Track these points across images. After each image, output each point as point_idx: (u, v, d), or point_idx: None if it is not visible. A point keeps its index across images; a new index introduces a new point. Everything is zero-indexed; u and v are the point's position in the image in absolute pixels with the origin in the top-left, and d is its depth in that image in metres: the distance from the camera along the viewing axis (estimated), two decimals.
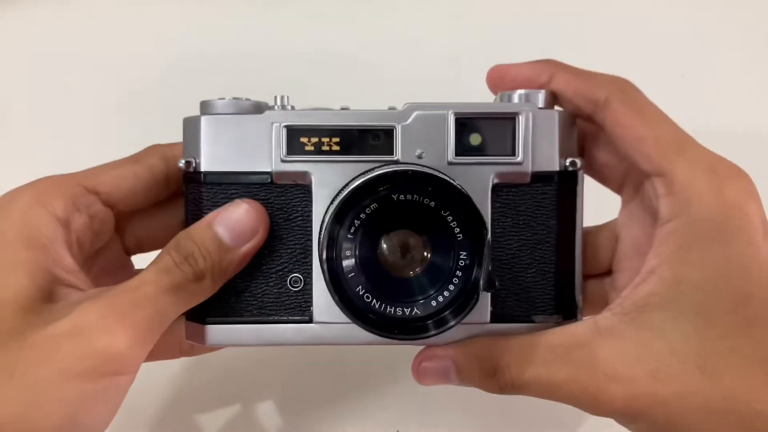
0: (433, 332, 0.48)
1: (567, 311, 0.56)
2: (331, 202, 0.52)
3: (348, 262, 0.49)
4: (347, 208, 0.48)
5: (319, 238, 0.52)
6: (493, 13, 0.78)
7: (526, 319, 0.55)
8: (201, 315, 0.55)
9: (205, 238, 0.52)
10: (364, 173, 0.52)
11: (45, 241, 0.51)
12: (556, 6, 0.80)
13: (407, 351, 0.54)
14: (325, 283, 0.50)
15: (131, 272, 0.60)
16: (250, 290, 0.54)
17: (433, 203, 0.48)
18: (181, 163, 0.55)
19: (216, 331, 0.55)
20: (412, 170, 0.48)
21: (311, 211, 0.54)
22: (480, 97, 0.59)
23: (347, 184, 0.52)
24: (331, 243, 0.48)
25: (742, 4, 0.79)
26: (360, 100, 0.57)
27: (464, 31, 0.79)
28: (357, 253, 0.49)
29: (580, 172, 0.56)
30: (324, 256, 0.48)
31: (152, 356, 0.61)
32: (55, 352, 0.46)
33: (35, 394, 0.45)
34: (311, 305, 0.54)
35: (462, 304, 0.48)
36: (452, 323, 0.48)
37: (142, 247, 0.62)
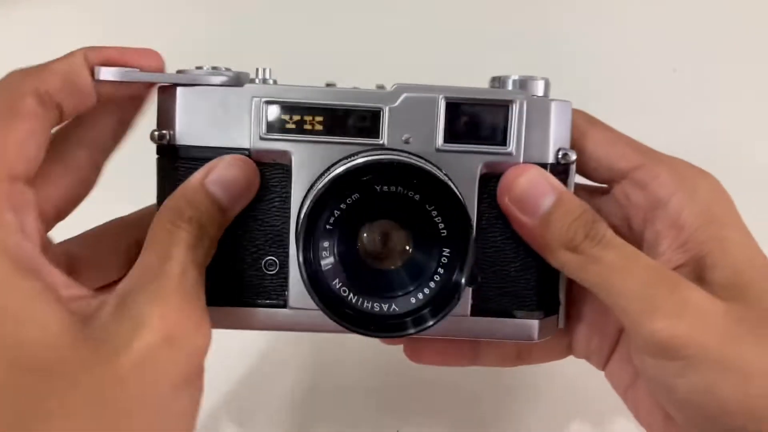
0: (411, 330, 0.46)
1: (549, 307, 0.55)
2: (311, 188, 0.50)
3: (326, 254, 0.46)
4: (327, 197, 0.45)
5: (297, 222, 0.50)
6: (490, 6, 0.76)
7: (507, 314, 0.53)
8: None
9: (203, 198, 0.48)
10: (346, 158, 0.49)
11: (33, 265, 0.43)
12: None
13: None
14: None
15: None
16: (223, 272, 0.52)
17: (417, 196, 0.46)
18: (155, 134, 0.52)
19: None
20: (397, 160, 0.46)
21: (290, 192, 0.51)
22: (473, 81, 0.56)
23: (327, 170, 0.49)
24: (309, 234, 0.45)
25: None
26: (348, 75, 0.54)
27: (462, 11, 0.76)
28: (335, 245, 0.47)
29: (572, 166, 0.53)
30: (301, 256, 0.45)
31: None
32: (151, 369, 0.41)
33: (151, 418, 0.40)
34: (286, 290, 0.52)
35: (441, 303, 0.46)
36: (430, 323, 0.46)
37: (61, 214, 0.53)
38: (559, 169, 0.52)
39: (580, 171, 0.55)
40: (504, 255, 0.53)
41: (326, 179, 0.46)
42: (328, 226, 0.46)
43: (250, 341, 0.74)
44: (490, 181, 0.52)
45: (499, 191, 0.51)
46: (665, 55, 0.76)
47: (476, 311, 0.52)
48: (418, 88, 0.51)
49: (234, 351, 0.73)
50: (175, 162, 0.51)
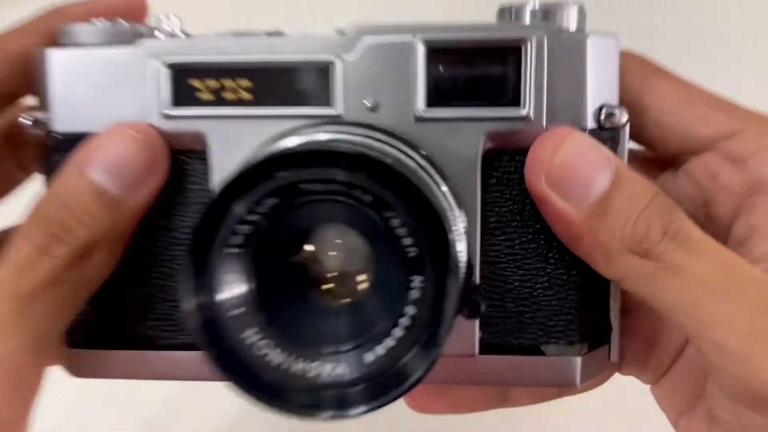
0: (363, 409, 0.30)
1: (595, 336, 0.39)
2: None
3: (231, 294, 0.30)
4: (228, 204, 0.30)
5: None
6: None
7: (531, 350, 0.38)
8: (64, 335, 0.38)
9: (79, 193, 0.36)
10: (281, 136, 0.34)
11: None
12: None
13: None
14: None
15: None
16: (130, 303, 0.38)
17: (369, 197, 0.30)
18: (27, 120, 0.38)
19: (81, 359, 0.39)
20: (325, 148, 0.29)
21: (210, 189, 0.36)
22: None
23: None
24: (201, 261, 0.30)
25: None
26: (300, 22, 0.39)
27: None
28: (247, 277, 0.31)
29: (622, 131, 0.38)
30: (192, 297, 0.29)
31: None
32: None
33: None
34: None
35: (408, 365, 0.30)
36: (362, 409, 0.30)
37: None
38: (604, 137, 0.37)
39: (637, 139, 0.40)
40: (525, 266, 0.37)
41: (229, 177, 0.30)
42: (232, 249, 0.30)
43: None
44: (498, 159, 0.37)
45: (528, 169, 0.37)
46: (664, 51, 0.66)
47: (487, 348, 0.37)
48: (385, 29, 0.36)
49: None
50: (54, 155, 0.38)
